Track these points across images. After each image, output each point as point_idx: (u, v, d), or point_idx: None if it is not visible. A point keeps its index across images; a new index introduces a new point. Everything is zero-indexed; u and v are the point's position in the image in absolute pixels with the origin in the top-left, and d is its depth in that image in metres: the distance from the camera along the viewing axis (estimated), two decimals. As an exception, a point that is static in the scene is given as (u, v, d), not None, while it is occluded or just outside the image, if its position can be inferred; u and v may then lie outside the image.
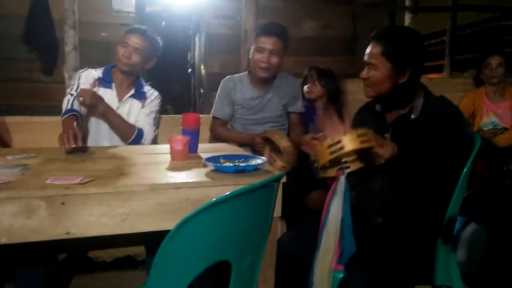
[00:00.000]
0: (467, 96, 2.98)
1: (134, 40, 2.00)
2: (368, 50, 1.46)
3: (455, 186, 1.34)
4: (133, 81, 2.13)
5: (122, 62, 2.01)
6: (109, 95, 2.06)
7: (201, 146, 1.72)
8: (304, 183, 2.07)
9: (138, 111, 2.11)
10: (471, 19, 4.37)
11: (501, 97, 2.88)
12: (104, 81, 2.07)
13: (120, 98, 2.08)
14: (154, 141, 2.16)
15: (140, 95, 2.13)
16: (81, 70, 2.09)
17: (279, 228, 1.72)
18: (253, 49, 2.14)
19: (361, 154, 1.30)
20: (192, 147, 1.59)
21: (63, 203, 1.06)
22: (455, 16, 3.96)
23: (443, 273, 1.37)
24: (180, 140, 1.48)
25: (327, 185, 2.10)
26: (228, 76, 2.30)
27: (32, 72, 4.15)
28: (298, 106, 2.32)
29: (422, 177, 1.33)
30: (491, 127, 2.82)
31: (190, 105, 8.02)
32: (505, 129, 2.78)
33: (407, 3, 4.10)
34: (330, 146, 1.19)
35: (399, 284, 1.30)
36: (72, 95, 1.93)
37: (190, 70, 8.45)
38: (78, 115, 1.85)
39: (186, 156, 1.50)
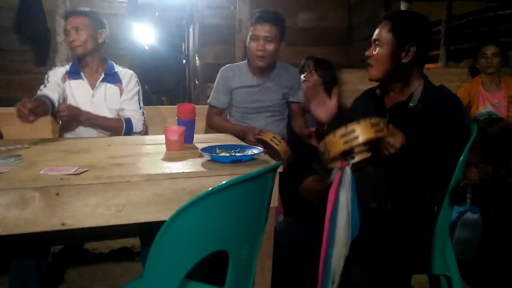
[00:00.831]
0: (463, 86, 2.99)
1: (70, 22, 2.00)
2: (377, 29, 1.48)
3: (451, 175, 1.33)
4: (100, 65, 2.11)
5: (73, 47, 2.01)
6: (81, 86, 2.06)
7: (197, 136, 1.71)
8: (297, 172, 2.07)
9: (118, 97, 2.09)
10: (466, 9, 4.36)
11: (497, 87, 2.88)
12: (73, 73, 2.07)
13: (93, 85, 2.08)
14: (147, 129, 2.17)
15: (112, 78, 2.11)
16: (49, 70, 2.11)
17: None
18: (248, 38, 2.12)
19: (372, 144, 1.25)
20: (187, 138, 1.58)
21: (58, 194, 1.04)
22: (451, 6, 3.96)
23: (440, 262, 1.37)
24: (176, 131, 1.47)
25: (318, 171, 2.11)
26: (227, 65, 2.28)
27: (24, 63, 4.11)
28: (297, 96, 2.30)
29: (418, 164, 1.33)
30: (487, 116, 2.83)
31: (185, 96, 7.99)
32: (501, 118, 2.79)
33: (403, -8, 4.09)
34: (342, 135, 1.15)
35: (397, 273, 1.30)
36: (41, 90, 1.95)
37: (184, 61, 8.40)
38: (45, 100, 1.85)
39: (182, 146, 1.49)
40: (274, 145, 1.82)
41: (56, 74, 2.06)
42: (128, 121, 2.05)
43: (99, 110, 2.03)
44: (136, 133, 2.07)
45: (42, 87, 1.97)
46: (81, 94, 2.04)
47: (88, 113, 1.98)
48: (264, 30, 2.04)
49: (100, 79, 2.07)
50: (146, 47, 9.15)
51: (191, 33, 6.61)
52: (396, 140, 1.23)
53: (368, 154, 1.26)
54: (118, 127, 2.02)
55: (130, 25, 4.58)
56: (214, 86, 2.26)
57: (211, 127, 2.29)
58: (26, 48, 4.10)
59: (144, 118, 2.13)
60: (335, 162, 1.26)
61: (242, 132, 2.06)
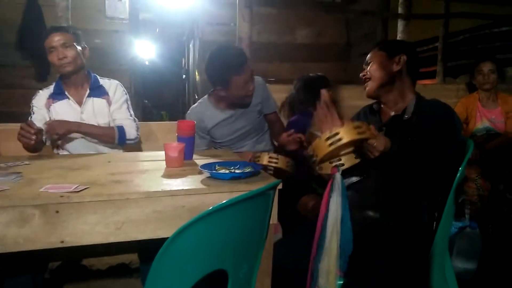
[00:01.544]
0: (460, 102, 3.01)
1: (56, 39, 1.93)
2: (368, 55, 1.61)
3: (449, 191, 1.34)
4: (85, 80, 2.07)
5: (63, 64, 1.95)
6: (67, 105, 2.03)
7: (196, 153, 1.72)
8: (295, 189, 2.06)
9: (107, 110, 2.06)
10: (463, 26, 4.41)
11: (493, 103, 2.90)
12: (57, 95, 2.03)
13: (80, 102, 2.04)
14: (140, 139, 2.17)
15: (98, 92, 2.07)
16: (32, 97, 2.06)
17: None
18: (235, 86, 1.99)
19: (357, 146, 1.31)
20: (187, 154, 1.58)
21: (57, 212, 1.05)
22: (448, 23, 4.00)
23: (439, 278, 1.36)
24: (175, 147, 1.48)
25: (317, 190, 2.10)
26: (191, 109, 2.21)
27: (25, 79, 4.13)
28: (271, 106, 2.26)
29: (415, 174, 1.34)
30: (484, 132, 2.85)
31: (185, 111, 8.00)
32: (499, 134, 2.81)
33: (400, 10, 4.14)
34: (328, 138, 1.21)
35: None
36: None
37: (184, 76, 8.46)
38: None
39: (182, 163, 1.49)
40: (274, 165, 1.82)
41: (40, 101, 2.03)
42: (121, 128, 2.01)
43: None
44: (130, 139, 2.03)
45: (29, 118, 1.97)
46: (69, 113, 2.00)
47: (77, 123, 1.95)
48: (249, 70, 2.01)
49: (86, 95, 2.04)
50: (147, 63, 9.23)
51: (191, 49, 6.68)
52: (379, 143, 1.26)
53: (356, 160, 1.31)
54: (110, 134, 1.98)
55: (131, 41, 4.62)
56: None
57: None
58: (28, 64, 4.13)
59: (137, 125, 2.09)
60: (323, 167, 1.31)
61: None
